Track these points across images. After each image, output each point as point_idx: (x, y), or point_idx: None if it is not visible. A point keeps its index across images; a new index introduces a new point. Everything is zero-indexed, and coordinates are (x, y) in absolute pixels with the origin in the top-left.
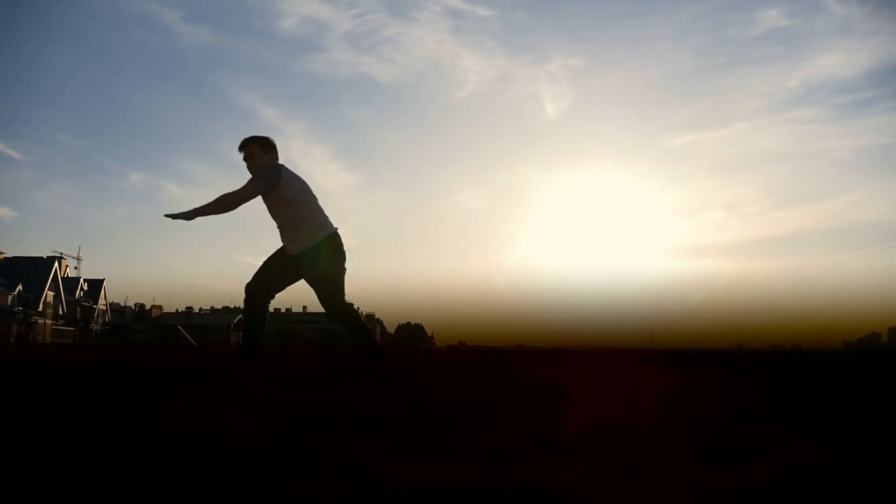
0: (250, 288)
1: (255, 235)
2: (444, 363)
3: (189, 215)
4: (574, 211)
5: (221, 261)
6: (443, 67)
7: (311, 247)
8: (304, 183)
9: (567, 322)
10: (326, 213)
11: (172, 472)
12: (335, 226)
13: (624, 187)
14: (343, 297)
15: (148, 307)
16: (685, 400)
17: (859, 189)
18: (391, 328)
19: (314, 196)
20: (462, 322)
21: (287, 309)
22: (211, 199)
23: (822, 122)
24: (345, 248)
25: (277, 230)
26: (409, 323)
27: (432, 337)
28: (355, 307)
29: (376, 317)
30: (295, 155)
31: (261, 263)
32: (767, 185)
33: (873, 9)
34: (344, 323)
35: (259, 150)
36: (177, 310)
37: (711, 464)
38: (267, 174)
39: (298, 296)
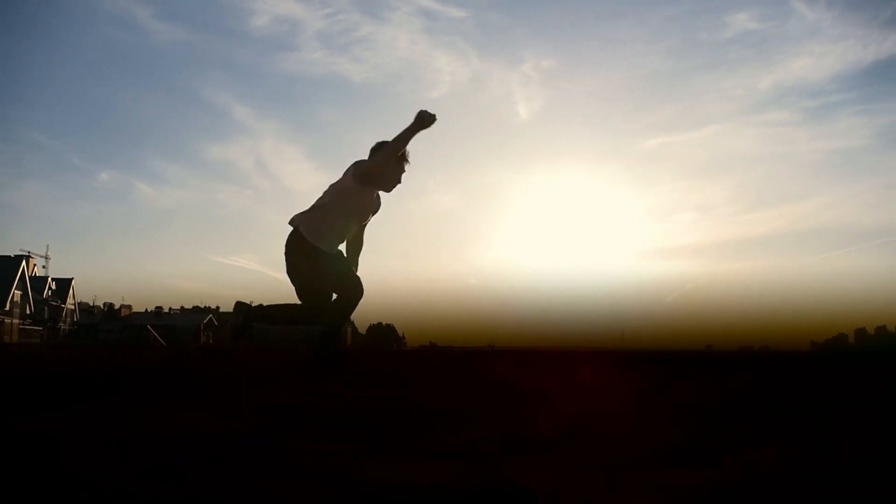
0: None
1: (225, 235)
2: (415, 364)
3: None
4: (546, 212)
5: (192, 260)
6: (416, 68)
7: None
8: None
9: (539, 322)
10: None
11: (143, 472)
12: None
13: (597, 189)
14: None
15: (117, 307)
16: (656, 401)
17: (828, 192)
18: (362, 329)
19: None
20: (434, 323)
21: None
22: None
23: (792, 124)
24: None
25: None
26: (380, 323)
27: (404, 337)
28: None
29: None
30: (267, 154)
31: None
32: (739, 186)
33: (841, 13)
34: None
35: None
36: (146, 309)
37: (683, 464)
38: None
39: (270, 295)
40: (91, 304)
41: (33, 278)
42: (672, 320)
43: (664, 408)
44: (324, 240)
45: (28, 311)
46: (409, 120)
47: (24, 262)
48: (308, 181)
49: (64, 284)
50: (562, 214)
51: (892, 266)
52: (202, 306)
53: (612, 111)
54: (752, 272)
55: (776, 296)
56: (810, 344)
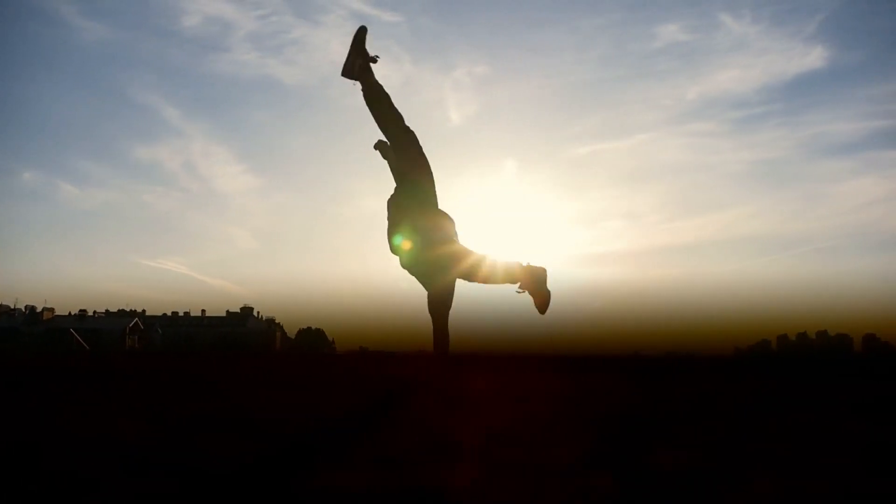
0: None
1: (152, 238)
2: (344, 369)
3: None
4: (477, 217)
5: (117, 263)
6: None
7: None
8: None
9: (468, 327)
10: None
11: (56, 481)
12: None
13: (527, 195)
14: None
15: (39, 309)
16: (581, 405)
17: (751, 202)
18: (291, 333)
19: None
20: (364, 327)
21: (185, 312)
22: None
23: (717, 135)
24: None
25: None
26: (309, 328)
27: (333, 342)
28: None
29: (276, 321)
30: (196, 156)
31: None
32: (666, 195)
33: (766, 28)
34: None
35: None
36: (69, 313)
37: (604, 468)
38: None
39: (198, 299)
40: (12, 307)
41: None
42: (600, 325)
43: (589, 412)
44: None
45: None
46: (320, 125)
47: None
48: (237, 183)
49: None
50: (492, 220)
51: (812, 275)
52: (128, 310)
53: (542, 118)
54: (679, 279)
55: (701, 302)
56: (734, 349)
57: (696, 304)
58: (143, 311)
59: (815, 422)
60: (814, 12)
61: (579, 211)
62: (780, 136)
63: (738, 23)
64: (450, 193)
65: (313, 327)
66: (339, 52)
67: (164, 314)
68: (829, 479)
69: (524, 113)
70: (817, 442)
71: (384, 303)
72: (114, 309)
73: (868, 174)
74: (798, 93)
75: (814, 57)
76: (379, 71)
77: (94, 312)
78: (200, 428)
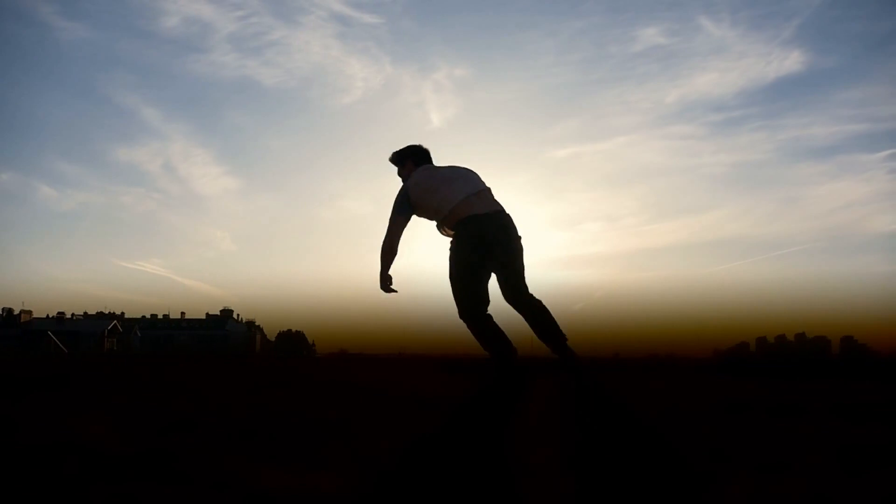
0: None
1: (131, 239)
2: (324, 372)
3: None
4: None
5: (96, 265)
6: (328, 73)
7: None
8: (434, 174)
9: (449, 330)
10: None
11: (22, 486)
12: (478, 209)
13: (507, 197)
14: (468, 302)
15: (16, 312)
16: (559, 409)
17: (730, 204)
18: (272, 336)
19: (444, 181)
20: (344, 329)
21: (164, 315)
22: None
23: (696, 138)
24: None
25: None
26: (289, 330)
27: (314, 345)
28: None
29: (256, 324)
30: (176, 158)
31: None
32: (645, 197)
33: (744, 31)
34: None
35: (399, 168)
36: (47, 315)
37: (583, 469)
38: (396, 200)
39: (177, 301)
40: None
41: None
42: (581, 328)
43: (570, 414)
44: None
45: None
46: (301, 127)
47: None
48: (217, 185)
49: None
50: None
51: (790, 277)
52: (106, 312)
53: (522, 120)
54: (658, 281)
55: (681, 305)
56: (713, 351)
57: (675, 306)
58: (122, 313)
59: (794, 423)
60: (790, 16)
61: (558, 213)
62: (759, 139)
63: (717, 26)
64: None
65: (293, 330)
66: (320, 53)
67: (143, 316)
68: (807, 479)
69: (504, 115)
70: (795, 443)
71: (364, 306)
72: (92, 311)
73: (845, 177)
74: (776, 96)
75: (791, 61)
76: (359, 73)
77: (73, 315)
78: (175, 430)
